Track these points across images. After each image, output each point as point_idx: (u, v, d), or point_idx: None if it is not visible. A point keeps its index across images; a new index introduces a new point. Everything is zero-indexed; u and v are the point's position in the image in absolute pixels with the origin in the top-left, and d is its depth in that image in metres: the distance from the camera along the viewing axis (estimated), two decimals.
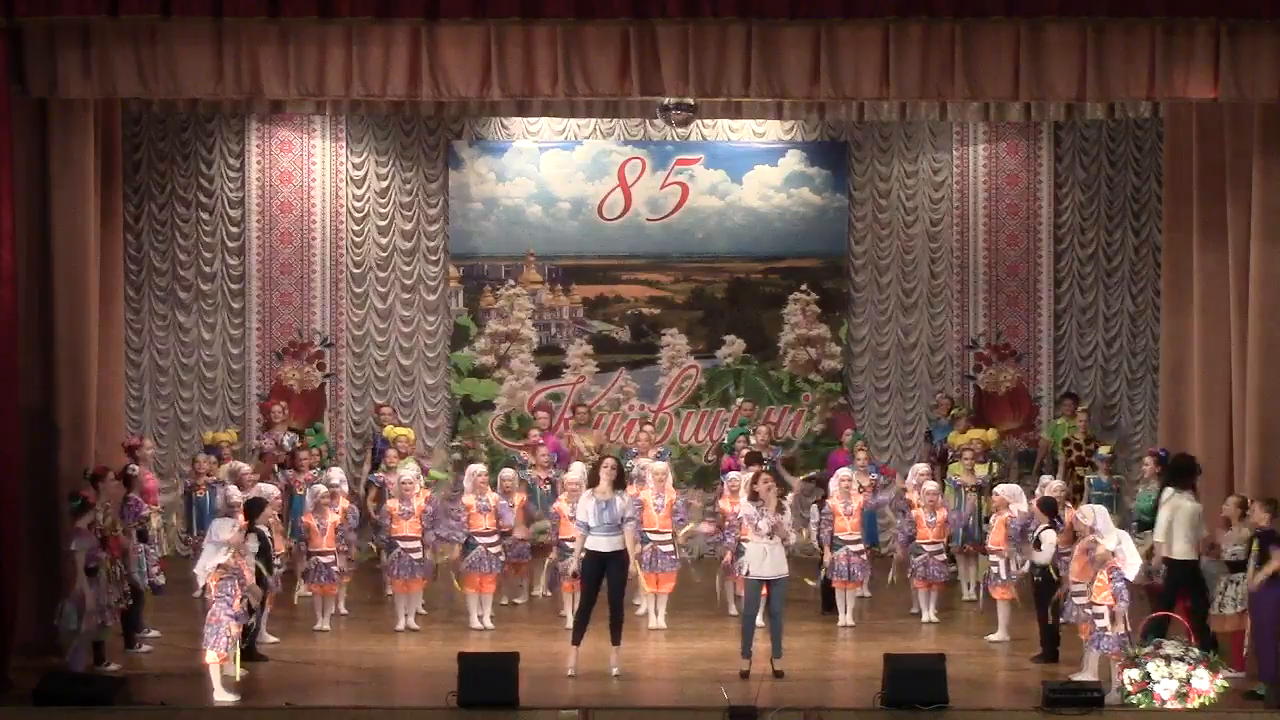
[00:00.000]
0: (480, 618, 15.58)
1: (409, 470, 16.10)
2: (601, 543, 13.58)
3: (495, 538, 15.58)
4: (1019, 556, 14.99)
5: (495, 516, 15.58)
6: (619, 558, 13.64)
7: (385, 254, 19.69)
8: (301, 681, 13.66)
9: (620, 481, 13.77)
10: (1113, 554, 13.15)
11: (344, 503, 15.71)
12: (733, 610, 15.94)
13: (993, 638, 15.16)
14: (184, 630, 14.91)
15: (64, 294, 14.83)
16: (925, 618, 15.93)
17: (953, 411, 18.39)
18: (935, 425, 18.79)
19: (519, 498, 16.01)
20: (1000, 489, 15.54)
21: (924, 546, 15.90)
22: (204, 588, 13.26)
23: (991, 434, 17.78)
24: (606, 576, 13.61)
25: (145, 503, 14.96)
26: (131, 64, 13.92)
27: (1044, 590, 14.19)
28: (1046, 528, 14.18)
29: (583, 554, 13.67)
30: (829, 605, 16.07)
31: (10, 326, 13.79)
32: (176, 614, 15.49)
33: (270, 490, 15.08)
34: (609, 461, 13.84)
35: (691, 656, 14.53)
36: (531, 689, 12.81)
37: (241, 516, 13.79)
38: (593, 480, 13.84)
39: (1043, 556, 14.16)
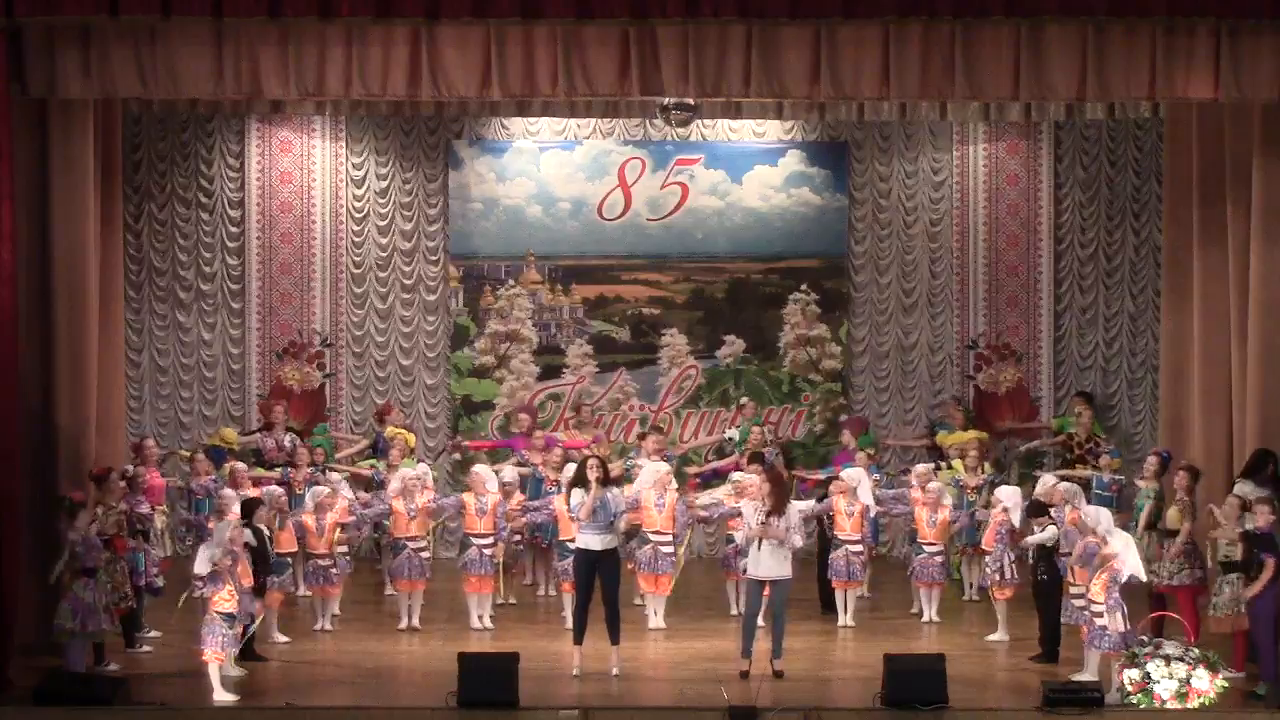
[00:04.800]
0: (480, 618, 15.59)
1: (413, 469, 16.05)
2: (593, 541, 13.57)
3: (491, 539, 15.58)
4: (1010, 557, 15.03)
5: (494, 518, 15.59)
6: (610, 556, 13.64)
7: (385, 254, 19.69)
8: (301, 681, 13.67)
9: (607, 477, 13.72)
10: (1115, 555, 13.15)
11: (343, 502, 15.66)
12: (734, 610, 15.95)
13: (993, 638, 15.16)
14: (184, 630, 14.90)
15: (64, 294, 14.85)
16: (926, 617, 15.93)
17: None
18: (941, 423, 18.68)
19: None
20: (1000, 491, 15.53)
21: (925, 546, 15.89)
22: (198, 586, 13.28)
23: (980, 435, 17.73)
24: (599, 575, 13.61)
25: (148, 502, 14.99)
26: (131, 64, 13.93)
27: (1048, 588, 14.18)
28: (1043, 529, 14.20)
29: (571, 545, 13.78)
30: (829, 605, 16.07)
31: (10, 326, 13.80)
32: (186, 615, 15.49)
33: (276, 491, 15.10)
34: (591, 461, 13.78)
35: (691, 656, 14.53)
36: (531, 689, 12.82)
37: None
38: (580, 481, 13.70)
39: (1039, 537, 14.21)
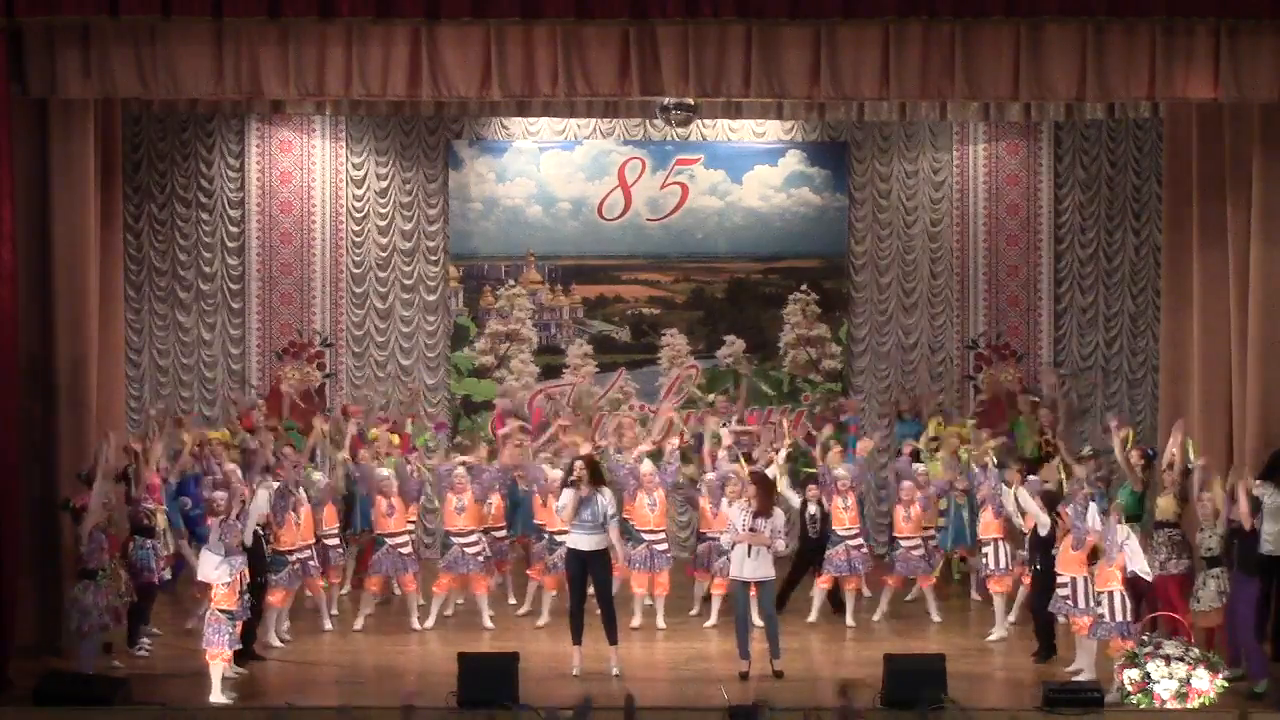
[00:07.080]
0: (480, 618, 15.60)
1: (388, 469, 16.00)
2: (582, 541, 13.60)
3: (474, 537, 15.57)
4: (1005, 547, 15.12)
5: (475, 516, 15.56)
6: (601, 557, 13.66)
7: (385, 254, 19.69)
8: (301, 681, 13.67)
9: (597, 478, 13.72)
10: (1109, 545, 13.22)
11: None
12: (694, 610, 15.96)
13: (993, 637, 15.17)
14: (184, 630, 14.93)
15: (64, 294, 14.85)
16: (932, 616, 15.92)
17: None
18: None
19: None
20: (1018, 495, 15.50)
21: (901, 542, 15.94)
22: (208, 588, 13.31)
23: (960, 430, 17.74)
24: (591, 576, 13.62)
25: (149, 499, 15.00)
26: (131, 64, 13.94)
27: (1042, 582, 14.17)
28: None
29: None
30: (835, 605, 16.03)
31: (10, 326, 13.80)
32: (177, 614, 15.50)
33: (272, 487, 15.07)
34: (578, 462, 13.78)
35: (691, 656, 14.54)
36: (531, 689, 12.82)
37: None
38: (569, 481, 13.73)
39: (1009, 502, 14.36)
